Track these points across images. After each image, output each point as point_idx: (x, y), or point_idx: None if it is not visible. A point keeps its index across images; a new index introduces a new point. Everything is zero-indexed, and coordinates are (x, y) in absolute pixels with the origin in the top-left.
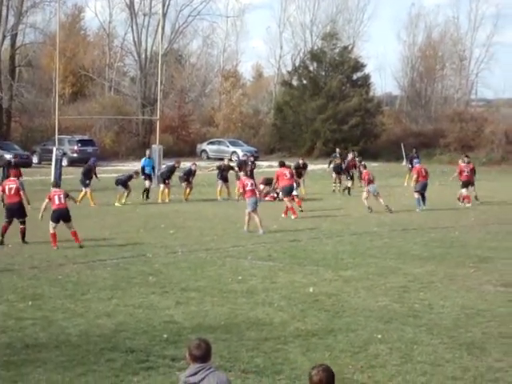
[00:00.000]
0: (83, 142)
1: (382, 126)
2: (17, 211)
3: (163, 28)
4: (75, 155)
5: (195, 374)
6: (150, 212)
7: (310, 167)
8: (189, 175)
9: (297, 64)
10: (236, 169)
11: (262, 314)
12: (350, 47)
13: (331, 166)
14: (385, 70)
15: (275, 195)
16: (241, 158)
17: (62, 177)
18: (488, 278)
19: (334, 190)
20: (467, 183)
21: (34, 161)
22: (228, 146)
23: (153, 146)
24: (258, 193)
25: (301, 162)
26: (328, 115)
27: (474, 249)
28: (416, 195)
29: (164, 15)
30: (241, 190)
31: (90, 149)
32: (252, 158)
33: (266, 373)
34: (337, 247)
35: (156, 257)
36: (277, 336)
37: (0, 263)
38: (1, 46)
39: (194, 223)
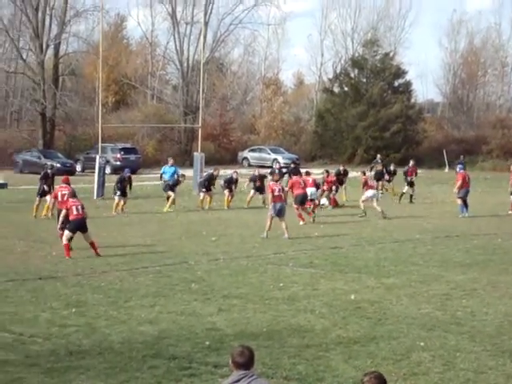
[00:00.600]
0: (126, 150)
1: (423, 133)
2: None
3: (205, 36)
4: (118, 163)
5: (238, 381)
6: (192, 219)
7: (352, 174)
8: (230, 183)
9: (338, 71)
10: (269, 177)
11: (303, 320)
12: (391, 54)
13: (372, 172)
14: (426, 77)
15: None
16: (254, 174)
17: (106, 184)
18: None
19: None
20: None
21: (77, 169)
22: (269, 154)
23: (194, 153)
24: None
25: (341, 168)
26: (369, 122)
27: None
28: (459, 201)
29: (206, 24)
30: (269, 196)
31: (132, 157)
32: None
33: (308, 380)
34: (379, 254)
35: (198, 264)
36: (318, 343)
37: (44, 271)
38: (44, 55)
39: (235, 230)
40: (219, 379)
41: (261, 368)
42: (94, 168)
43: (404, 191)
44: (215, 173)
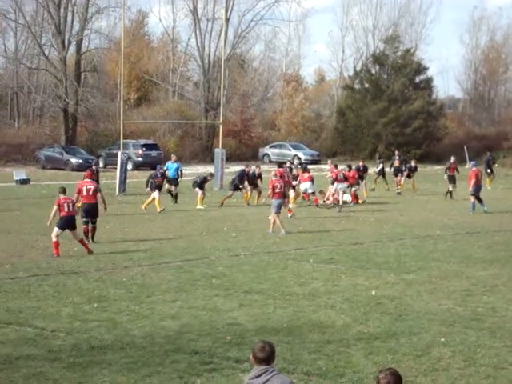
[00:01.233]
0: (148, 146)
1: (444, 129)
2: (92, 211)
3: (226, 33)
4: (140, 159)
5: (259, 376)
6: (213, 215)
7: (371, 170)
8: (253, 178)
9: (359, 68)
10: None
11: (324, 316)
12: (412, 50)
13: (391, 169)
14: (447, 73)
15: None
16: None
17: (127, 180)
18: None
19: (398, 193)
20: None
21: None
22: (290, 150)
23: (215, 149)
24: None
25: (361, 164)
26: (390, 118)
27: None
28: (472, 199)
29: (227, 20)
30: (270, 191)
31: (154, 153)
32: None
33: (329, 375)
34: (399, 250)
35: (219, 259)
36: (339, 339)
37: (66, 266)
38: (66, 51)
39: (256, 226)
40: (240, 374)
41: (281, 363)
42: (115, 164)
43: (450, 189)
44: (247, 169)
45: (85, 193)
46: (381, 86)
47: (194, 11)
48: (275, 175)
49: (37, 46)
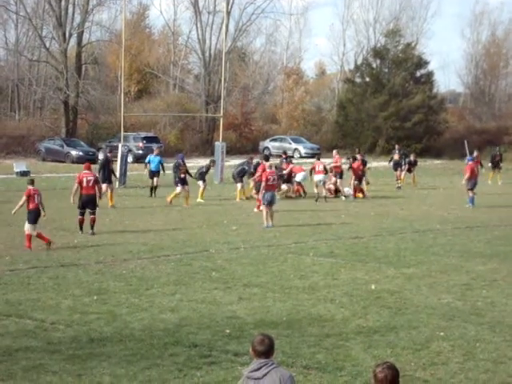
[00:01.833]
0: (148, 139)
1: (445, 124)
2: (91, 202)
3: (227, 26)
4: (140, 152)
5: (258, 369)
6: (213, 208)
7: (373, 165)
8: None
9: (359, 61)
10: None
11: (323, 310)
12: (413, 44)
13: (391, 163)
14: (448, 68)
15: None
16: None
17: (128, 173)
18: None
19: (399, 187)
20: None
21: (99, 157)
22: (290, 143)
23: (216, 143)
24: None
25: (359, 157)
26: (390, 112)
27: None
28: (470, 193)
29: (228, 13)
30: (262, 184)
31: (154, 145)
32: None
33: (328, 369)
34: (399, 244)
35: (219, 252)
36: (338, 332)
37: (66, 258)
38: (67, 43)
39: (256, 220)
40: (239, 367)
41: (280, 357)
42: (116, 156)
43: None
44: (250, 161)
45: (85, 184)
46: (381, 80)
47: (195, 4)
48: (270, 167)
49: (38, 38)
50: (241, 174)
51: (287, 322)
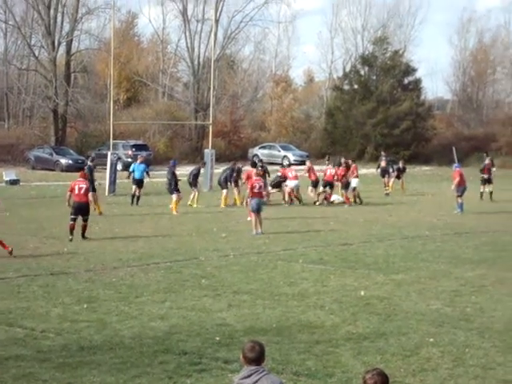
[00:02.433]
0: (137, 147)
1: (433, 130)
2: (83, 209)
3: (216, 34)
4: (130, 160)
5: (249, 376)
6: (203, 216)
7: (361, 171)
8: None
9: (348, 69)
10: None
11: (313, 316)
12: (401, 51)
13: (378, 170)
14: (436, 75)
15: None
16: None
17: (117, 181)
18: None
19: (387, 194)
20: None
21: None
22: (279, 151)
23: (205, 150)
24: (264, 195)
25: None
26: (379, 119)
27: None
28: (460, 200)
29: (217, 21)
30: (248, 191)
31: (143, 153)
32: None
33: (318, 376)
34: (388, 251)
35: (208, 260)
36: (328, 339)
37: (56, 266)
38: (56, 52)
39: (245, 227)
40: (229, 374)
41: (270, 364)
42: (105, 165)
43: (481, 190)
44: (233, 166)
45: (77, 191)
46: (369, 87)
47: (184, 12)
48: (256, 174)
49: (27, 47)
50: (225, 180)
51: (277, 328)
